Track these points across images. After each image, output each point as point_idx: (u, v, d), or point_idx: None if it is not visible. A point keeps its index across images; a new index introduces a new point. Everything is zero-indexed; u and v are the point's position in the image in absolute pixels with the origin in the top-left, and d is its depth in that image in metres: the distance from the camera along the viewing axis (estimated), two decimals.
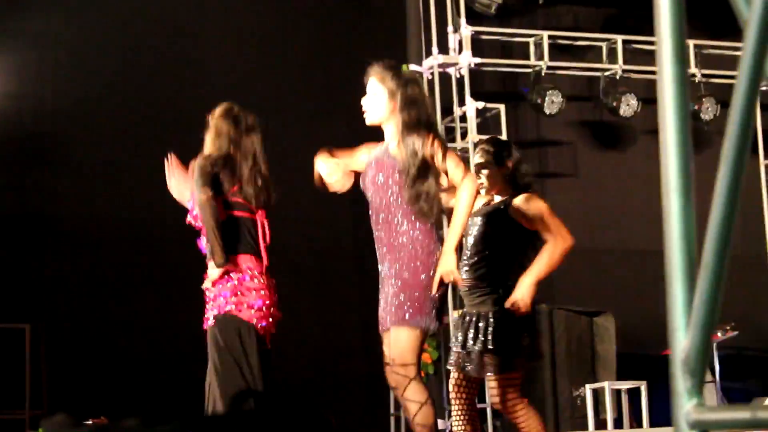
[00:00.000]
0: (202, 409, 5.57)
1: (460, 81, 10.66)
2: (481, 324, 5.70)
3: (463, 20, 10.69)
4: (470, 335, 5.71)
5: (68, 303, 9.88)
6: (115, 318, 9.89)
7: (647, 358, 9.73)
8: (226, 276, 5.50)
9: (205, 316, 5.59)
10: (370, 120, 5.36)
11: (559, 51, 11.40)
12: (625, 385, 9.63)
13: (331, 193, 5.51)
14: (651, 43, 10.17)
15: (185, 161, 5.77)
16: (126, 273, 10.00)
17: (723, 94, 11.40)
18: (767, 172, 11.70)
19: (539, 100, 10.90)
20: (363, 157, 5.40)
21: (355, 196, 5.56)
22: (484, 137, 10.20)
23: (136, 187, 10.09)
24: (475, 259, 5.79)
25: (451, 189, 5.28)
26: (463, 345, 5.75)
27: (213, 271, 5.49)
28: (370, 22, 11.11)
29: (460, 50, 10.67)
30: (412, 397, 5.08)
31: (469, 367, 5.73)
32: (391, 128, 5.28)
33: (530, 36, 11.19)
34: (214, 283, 5.52)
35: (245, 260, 5.55)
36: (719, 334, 10.02)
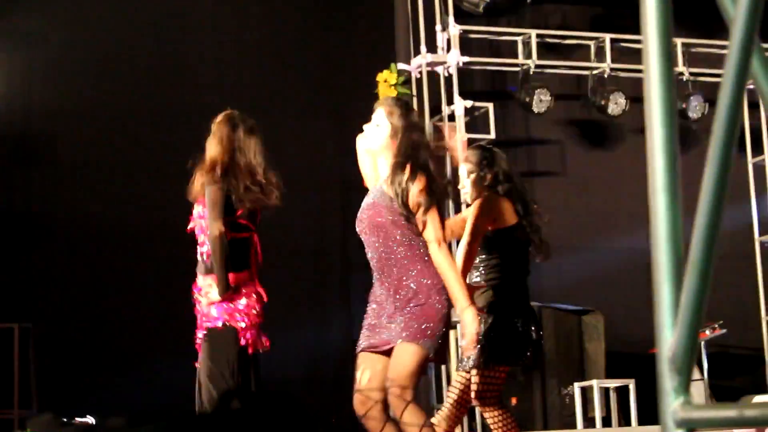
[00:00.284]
0: (191, 408, 5.60)
1: (449, 80, 10.65)
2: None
3: (451, 19, 10.68)
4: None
5: (57, 302, 9.86)
6: (103, 317, 9.88)
7: (636, 357, 9.75)
8: None
9: (197, 323, 5.69)
10: (366, 146, 5.27)
11: (547, 50, 11.40)
12: (613, 384, 9.65)
13: (318, 192, 5.49)
14: (639, 41, 10.15)
15: (173, 161, 5.77)
16: (115, 272, 9.98)
17: (710, 92, 11.41)
18: (755, 170, 11.71)
19: (527, 99, 10.90)
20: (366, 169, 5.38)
21: (344, 195, 5.55)
22: (473, 136, 10.26)
23: (125, 186, 10.08)
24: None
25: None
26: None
27: (213, 295, 5.58)
28: (358, 21, 11.10)
29: (449, 49, 10.66)
30: (411, 420, 5.02)
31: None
32: (384, 162, 5.23)
33: (518, 35, 11.19)
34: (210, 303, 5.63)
35: (240, 278, 5.63)
36: (707, 332, 10.03)
